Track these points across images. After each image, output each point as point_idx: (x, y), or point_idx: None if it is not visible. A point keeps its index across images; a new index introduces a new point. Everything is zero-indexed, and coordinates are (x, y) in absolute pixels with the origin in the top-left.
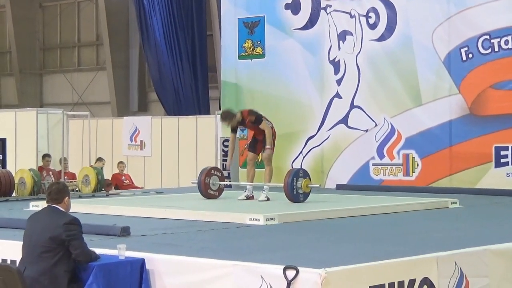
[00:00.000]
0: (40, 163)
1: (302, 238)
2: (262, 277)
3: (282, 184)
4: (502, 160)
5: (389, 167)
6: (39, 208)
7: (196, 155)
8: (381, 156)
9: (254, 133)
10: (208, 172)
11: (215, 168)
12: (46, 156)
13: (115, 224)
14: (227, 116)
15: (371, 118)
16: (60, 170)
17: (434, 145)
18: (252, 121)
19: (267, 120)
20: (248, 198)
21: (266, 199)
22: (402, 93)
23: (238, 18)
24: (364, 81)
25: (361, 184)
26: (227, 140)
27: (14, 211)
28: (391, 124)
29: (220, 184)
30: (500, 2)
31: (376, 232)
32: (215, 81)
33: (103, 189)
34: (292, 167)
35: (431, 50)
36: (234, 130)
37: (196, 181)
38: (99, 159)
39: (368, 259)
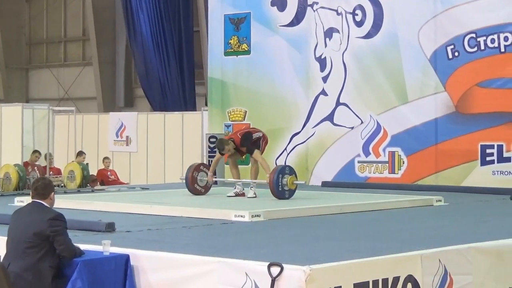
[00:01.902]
0: (26, 158)
1: (287, 235)
2: (246, 274)
3: (266, 181)
4: (488, 158)
5: (374, 164)
6: (24, 204)
7: (182, 151)
8: (366, 153)
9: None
10: (196, 168)
11: (203, 164)
12: (36, 152)
13: (100, 220)
14: (219, 146)
15: (357, 116)
16: (46, 166)
17: (420, 142)
18: (244, 152)
19: (257, 130)
20: (238, 195)
21: (254, 195)
22: (388, 90)
23: (224, 15)
24: (350, 79)
25: (346, 181)
26: (213, 137)
27: None
28: (377, 121)
29: (207, 181)
30: (486, 1)
31: (361, 230)
32: (202, 77)
33: (88, 184)
34: (276, 164)
35: (417, 48)
36: (222, 154)
37: (184, 178)
38: (80, 153)
39: (352, 256)
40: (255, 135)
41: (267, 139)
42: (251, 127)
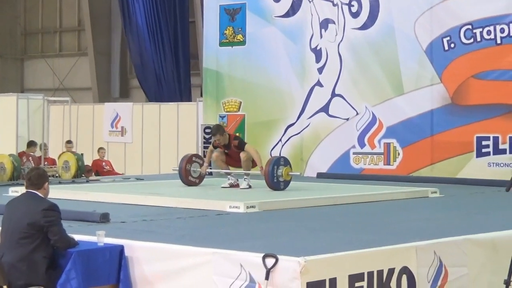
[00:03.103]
0: (20, 149)
1: (282, 226)
2: (241, 265)
3: (261, 173)
4: (484, 150)
5: (369, 156)
6: (19, 194)
7: (177, 142)
8: (362, 144)
9: (232, 158)
10: (189, 159)
11: (197, 155)
12: (32, 145)
13: (95, 211)
14: (218, 130)
15: (352, 107)
16: (40, 156)
17: (415, 134)
18: (236, 145)
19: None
20: (232, 186)
21: (248, 186)
22: (384, 82)
23: (220, 5)
24: (345, 70)
25: (341, 172)
26: (208, 127)
27: None
28: (372, 113)
29: (201, 172)
30: None
31: (356, 221)
32: (197, 68)
33: (83, 175)
34: (271, 155)
35: (413, 39)
36: (215, 147)
37: (177, 168)
38: (68, 142)
39: (347, 247)
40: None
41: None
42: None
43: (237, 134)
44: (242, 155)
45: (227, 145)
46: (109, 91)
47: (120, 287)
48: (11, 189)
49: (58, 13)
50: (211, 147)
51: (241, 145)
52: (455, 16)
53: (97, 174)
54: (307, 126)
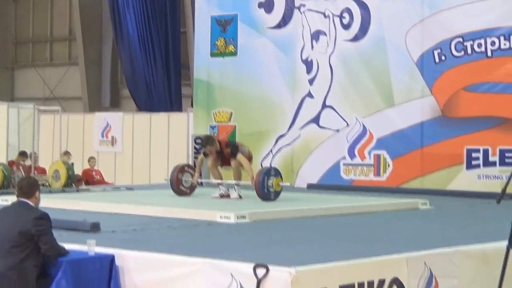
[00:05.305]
0: (11, 157)
1: (272, 237)
2: (232, 275)
3: (251, 182)
4: (474, 162)
5: (360, 167)
6: (9, 203)
7: (167, 152)
8: (352, 156)
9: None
10: (181, 169)
11: (189, 165)
12: (23, 155)
13: (85, 220)
14: (208, 141)
15: (343, 118)
16: (30, 165)
17: (405, 146)
18: (228, 152)
19: (243, 145)
20: (222, 196)
21: (238, 197)
22: (375, 93)
23: (211, 16)
24: (336, 81)
25: (331, 183)
26: (199, 138)
27: None
28: (363, 124)
29: (192, 182)
30: (473, 5)
31: (346, 232)
32: (188, 78)
33: (73, 184)
34: (261, 166)
35: (404, 51)
36: (206, 155)
37: (169, 178)
38: (65, 153)
39: (338, 258)
40: (241, 148)
41: (251, 156)
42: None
43: (228, 141)
44: (233, 163)
45: (219, 152)
46: (100, 100)
47: None
48: (1, 198)
49: (49, 23)
50: (201, 156)
51: (234, 154)
52: (446, 29)
53: (87, 183)
54: (297, 137)
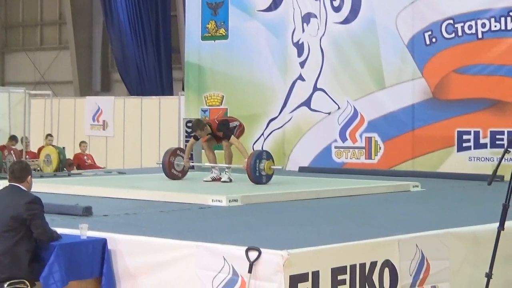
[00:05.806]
0: (1, 142)
1: (264, 220)
2: (224, 258)
3: (243, 166)
4: (465, 145)
5: (351, 150)
6: (1, 187)
7: (159, 136)
8: (343, 139)
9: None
10: (173, 152)
11: (181, 149)
12: (13, 139)
13: (77, 204)
14: (198, 126)
15: (334, 101)
16: (22, 150)
17: (396, 128)
18: (220, 135)
19: (234, 119)
20: (214, 179)
21: (228, 180)
22: (366, 76)
23: None
24: (327, 64)
25: (323, 166)
26: (190, 121)
27: None
28: (354, 107)
29: (184, 166)
30: None
31: (338, 215)
32: (179, 62)
33: (64, 168)
34: (253, 149)
35: (395, 33)
36: (197, 138)
37: (161, 162)
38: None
39: (330, 241)
40: (232, 124)
41: (243, 129)
42: (229, 116)
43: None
44: (224, 143)
45: (212, 134)
46: (91, 84)
47: (103, 280)
48: None
49: (39, 6)
50: (192, 140)
51: (226, 136)
52: (437, 11)
53: (78, 168)
54: (289, 120)
